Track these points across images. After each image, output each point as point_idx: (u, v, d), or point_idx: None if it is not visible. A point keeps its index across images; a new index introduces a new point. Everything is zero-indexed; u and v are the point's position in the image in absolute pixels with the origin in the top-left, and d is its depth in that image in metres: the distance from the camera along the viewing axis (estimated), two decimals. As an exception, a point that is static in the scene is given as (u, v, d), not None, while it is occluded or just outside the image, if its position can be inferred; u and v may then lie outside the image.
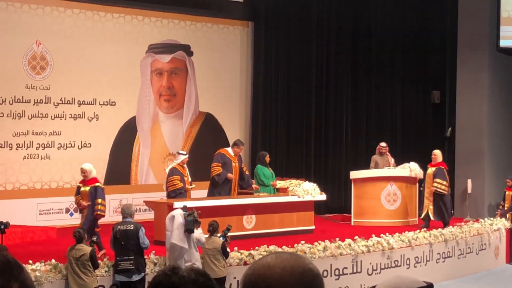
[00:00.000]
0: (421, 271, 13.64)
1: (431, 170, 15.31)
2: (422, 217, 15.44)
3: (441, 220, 15.28)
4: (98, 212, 11.60)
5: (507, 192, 16.88)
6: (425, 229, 14.56)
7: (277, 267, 1.95)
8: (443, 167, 15.30)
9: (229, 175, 14.31)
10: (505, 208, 16.59)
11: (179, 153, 14.14)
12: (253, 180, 14.91)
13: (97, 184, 11.88)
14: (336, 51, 19.04)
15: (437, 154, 15.48)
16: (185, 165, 13.75)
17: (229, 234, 11.33)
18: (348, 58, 19.21)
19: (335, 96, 19.07)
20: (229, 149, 14.62)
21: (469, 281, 14.24)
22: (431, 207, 15.23)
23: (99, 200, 11.68)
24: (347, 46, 19.18)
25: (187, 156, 13.92)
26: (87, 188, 11.78)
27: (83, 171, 11.98)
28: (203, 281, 2.22)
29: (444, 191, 15.16)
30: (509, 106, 18.81)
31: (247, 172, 14.87)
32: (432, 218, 15.24)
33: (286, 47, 18.36)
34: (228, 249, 11.14)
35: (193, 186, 13.89)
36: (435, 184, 15.08)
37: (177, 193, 13.42)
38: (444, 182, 15.18)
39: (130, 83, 16.11)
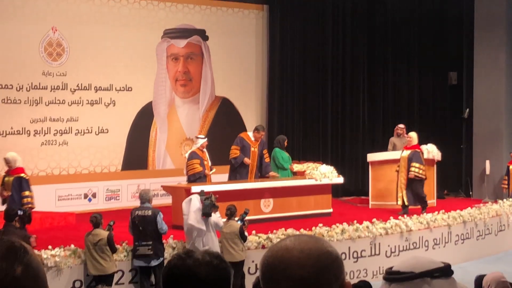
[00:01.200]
0: (439, 252, 13.62)
1: (406, 153, 14.80)
2: (399, 203, 14.83)
3: (420, 204, 14.74)
4: (29, 205, 11.08)
5: (511, 167, 16.83)
6: (405, 215, 14.11)
7: (295, 250, 1.95)
8: (418, 150, 14.84)
9: (246, 159, 14.32)
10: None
11: (197, 137, 14.18)
12: (270, 169, 14.81)
13: (21, 174, 11.35)
14: (352, 34, 18.96)
15: (412, 137, 14.96)
16: (204, 149, 13.79)
17: (247, 218, 11.35)
18: (364, 40, 19.12)
19: (351, 78, 19.00)
20: (250, 134, 14.64)
21: (488, 262, 14.19)
22: (405, 192, 14.68)
23: (26, 193, 11.18)
24: (362, 28, 19.09)
25: (206, 139, 13.93)
26: (11, 178, 11.29)
27: (6, 161, 11.49)
28: (217, 263, 2.23)
29: (422, 176, 14.68)
30: (527, 86, 18.66)
31: (267, 160, 14.81)
32: (407, 204, 14.68)
33: (301, 31, 18.30)
34: (246, 233, 11.17)
35: (214, 170, 13.93)
36: (413, 169, 14.59)
37: (196, 177, 13.48)
38: (422, 166, 14.69)
39: (146, 68, 16.13)
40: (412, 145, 14.84)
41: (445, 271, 2.26)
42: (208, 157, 13.85)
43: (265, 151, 14.72)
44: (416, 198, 14.74)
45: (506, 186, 16.87)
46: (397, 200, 14.81)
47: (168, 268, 2.26)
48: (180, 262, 2.24)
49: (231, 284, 2.30)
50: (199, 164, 13.52)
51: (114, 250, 10.24)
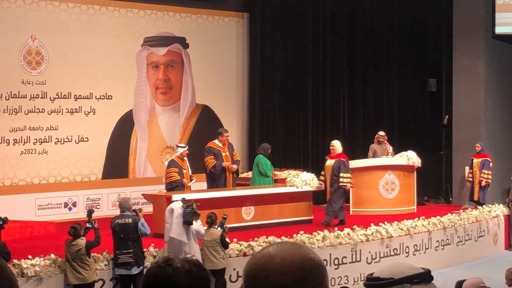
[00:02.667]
0: (420, 259, 13.67)
1: (330, 162, 14.42)
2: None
3: (338, 218, 14.33)
4: None
5: (475, 160, 16.94)
6: (325, 224, 13.94)
7: (277, 257, 1.95)
8: (344, 159, 14.47)
9: (224, 163, 14.26)
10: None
11: (178, 146, 14.14)
12: (250, 172, 14.82)
13: None
14: (332, 41, 19.02)
15: (335, 145, 14.58)
16: (185, 158, 13.73)
17: (229, 225, 11.35)
18: (344, 48, 19.20)
19: (332, 85, 19.06)
20: (216, 141, 14.58)
21: (468, 268, 14.27)
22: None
23: None
24: (343, 35, 19.17)
25: (186, 148, 13.88)
26: None
27: None
28: (197, 271, 2.22)
29: (350, 185, 14.47)
30: (505, 93, 18.82)
31: (237, 158, 14.75)
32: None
33: (281, 38, 18.35)
34: (227, 239, 11.16)
35: (194, 180, 13.88)
36: (344, 180, 14.25)
37: (173, 186, 13.41)
38: (348, 175, 14.37)
39: (126, 76, 16.09)
40: (336, 154, 14.46)
41: (425, 277, 2.26)
42: (189, 166, 13.81)
43: (234, 152, 14.70)
44: (338, 209, 14.28)
45: (471, 180, 16.98)
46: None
47: (147, 277, 2.26)
48: (159, 270, 2.23)
49: None
50: (178, 172, 13.46)
51: (89, 250, 10.15)
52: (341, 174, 14.26)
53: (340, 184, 14.24)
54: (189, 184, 13.66)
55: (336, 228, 13.12)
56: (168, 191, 13.29)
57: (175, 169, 13.49)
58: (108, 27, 15.85)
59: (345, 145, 18.94)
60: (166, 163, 14.06)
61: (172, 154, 15.79)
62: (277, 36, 18.26)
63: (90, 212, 10.63)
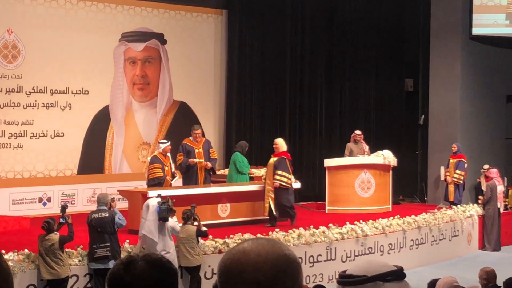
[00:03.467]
0: (394, 257, 13.74)
1: (272, 160, 14.00)
2: (266, 214, 13.98)
3: (287, 216, 13.98)
4: None
5: (451, 160, 17.10)
6: (269, 225, 13.61)
7: (252, 253, 1.95)
8: (285, 157, 14.01)
9: (190, 160, 14.17)
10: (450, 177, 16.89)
11: (159, 142, 14.04)
12: (214, 163, 14.64)
13: None
14: (310, 40, 19.05)
15: (278, 143, 14.14)
16: (168, 154, 13.66)
17: (205, 222, 11.36)
18: (322, 47, 19.23)
19: (309, 84, 19.10)
20: (191, 138, 14.52)
21: (442, 267, 14.36)
22: (272, 203, 13.82)
23: None
24: (321, 35, 19.20)
25: (167, 144, 13.71)
26: None
27: None
28: (157, 276, 2.19)
29: (287, 185, 13.87)
30: (481, 94, 18.95)
31: (214, 156, 14.63)
32: (274, 214, 13.87)
33: (260, 36, 18.34)
34: (203, 228, 11.13)
35: (177, 177, 13.81)
36: (277, 177, 13.77)
37: (156, 182, 13.34)
38: (286, 174, 13.85)
39: (103, 72, 16.00)
40: (279, 152, 14.04)
41: (398, 275, 2.26)
42: (171, 162, 13.74)
43: (211, 150, 14.58)
44: (282, 208, 13.87)
45: (448, 174, 17.13)
46: (264, 211, 13.92)
47: (109, 280, 2.24)
48: (118, 276, 2.21)
49: None
50: (160, 169, 13.39)
51: (62, 245, 10.11)
52: (277, 172, 13.79)
53: (273, 182, 13.77)
54: (172, 182, 13.56)
55: (312, 226, 13.13)
56: (150, 187, 13.24)
57: (159, 165, 13.41)
58: (85, 22, 15.75)
59: (322, 144, 19.09)
60: (148, 159, 13.99)
61: (148, 150, 15.76)
62: (256, 33, 18.25)
63: (63, 208, 10.59)
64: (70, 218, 10.40)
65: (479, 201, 17.20)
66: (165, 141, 13.99)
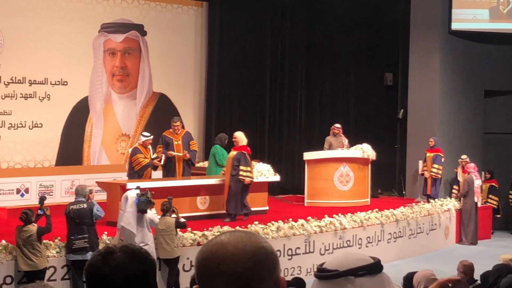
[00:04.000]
0: (372, 251, 13.80)
1: (232, 154, 13.80)
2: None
3: (233, 212, 13.63)
4: None
5: (428, 154, 17.21)
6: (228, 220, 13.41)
7: (230, 245, 1.95)
8: (245, 152, 13.75)
9: (169, 152, 14.14)
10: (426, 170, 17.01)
11: (142, 135, 13.99)
12: (193, 156, 14.61)
13: None
14: (290, 34, 19.06)
15: (238, 137, 13.88)
16: (149, 147, 13.64)
17: (184, 214, 11.37)
18: (302, 40, 19.25)
19: (289, 77, 19.12)
20: (171, 130, 14.50)
21: (420, 260, 14.45)
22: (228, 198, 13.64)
23: None
24: (301, 28, 19.21)
25: (148, 138, 13.67)
26: None
27: None
28: (136, 267, 2.19)
29: (251, 179, 13.70)
30: (460, 88, 19.05)
31: (194, 148, 14.58)
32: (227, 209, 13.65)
33: (240, 28, 18.32)
34: (181, 219, 11.16)
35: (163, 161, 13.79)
36: (242, 173, 13.53)
37: (147, 169, 13.42)
38: (249, 169, 13.71)
39: (82, 62, 15.92)
40: (239, 146, 13.79)
41: (372, 269, 2.24)
42: (152, 155, 13.68)
43: (191, 142, 14.53)
44: (237, 204, 13.61)
45: (426, 168, 17.26)
46: (224, 205, 13.68)
47: (87, 271, 2.24)
48: (96, 268, 2.21)
49: (153, 282, 2.26)
50: (143, 158, 13.42)
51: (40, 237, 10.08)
52: (241, 167, 13.57)
53: (239, 177, 13.53)
54: (161, 163, 13.60)
55: (291, 219, 13.16)
56: (139, 178, 13.23)
57: (141, 154, 13.42)
58: (65, 12, 15.65)
59: (301, 137, 19.13)
60: (129, 150, 13.95)
61: (127, 142, 15.72)
62: (236, 25, 18.23)
63: (42, 199, 10.54)
64: (49, 210, 10.36)
65: (454, 192, 17.29)
66: (148, 134, 13.85)
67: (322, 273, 2.26)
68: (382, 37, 19.98)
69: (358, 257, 2.28)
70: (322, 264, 2.30)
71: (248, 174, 13.62)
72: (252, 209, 14.32)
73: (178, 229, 11.20)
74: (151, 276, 2.23)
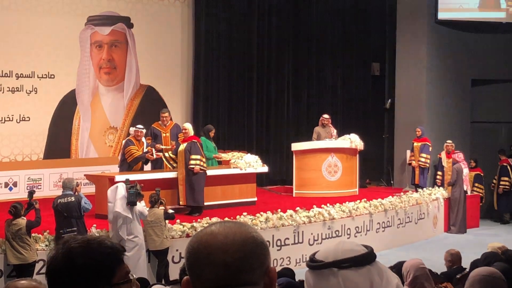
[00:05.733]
0: (361, 240, 13.84)
1: (182, 146, 13.43)
2: (181, 203, 13.38)
3: (194, 204, 13.29)
4: None
5: (415, 144, 17.27)
6: (197, 214, 13.05)
7: (220, 235, 1.96)
8: (195, 141, 13.47)
9: (157, 145, 14.12)
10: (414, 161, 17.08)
11: (135, 127, 13.95)
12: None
13: None
14: (277, 25, 19.05)
15: (188, 128, 13.53)
16: (143, 140, 13.62)
17: (172, 206, 11.37)
18: (289, 31, 19.25)
19: (276, 68, 19.11)
20: (160, 122, 14.48)
21: (408, 250, 14.51)
22: (181, 189, 13.32)
23: None
24: (288, 18, 19.21)
25: (137, 129, 13.67)
26: None
27: None
28: (92, 258, 2.20)
29: (205, 168, 13.38)
30: (446, 78, 19.10)
31: (180, 140, 14.54)
32: (181, 202, 13.31)
33: (227, 20, 18.29)
34: (169, 211, 11.18)
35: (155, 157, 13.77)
36: (193, 162, 13.20)
37: (139, 161, 13.41)
38: (200, 157, 13.34)
39: (69, 55, 15.86)
40: (188, 137, 13.45)
41: (357, 261, 2.23)
42: (145, 149, 13.63)
43: (180, 134, 14.48)
44: (199, 194, 13.29)
45: (413, 163, 17.32)
46: (178, 201, 13.34)
47: (48, 263, 2.25)
48: (54, 259, 2.22)
49: (112, 271, 2.26)
50: (137, 150, 13.41)
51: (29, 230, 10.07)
52: (192, 156, 13.25)
53: (189, 166, 13.21)
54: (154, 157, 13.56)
55: (279, 210, 13.18)
56: (132, 171, 13.22)
57: (134, 146, 13.42)
58: (51, 5, 15.58)
59: (289, 128, 19.14)
60: (123, 142, 13.95)
61: (115, 135, 15.70)
62: (223, 18, 18.19)
63: (31, 193, 10.52)
64: (38, 203, 10.34)
65: (438, 178, 17.31)
66: (141, 127, 13.81)
67: (310, 263, 2.28)
68: (369, 27, 20.01)
69: (348, 247, 2.28)
70: (315, 253, 2.31)
71: (198, 162, 13.24)
72: (241, 200, 14.36)
73: (167, 221, 11.20)
74: (110, 266, 2.23)
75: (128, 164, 13.49)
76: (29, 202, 10.25)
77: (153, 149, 13.72)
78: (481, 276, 4.40)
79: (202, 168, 13.30)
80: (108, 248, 2.25)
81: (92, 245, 2.24)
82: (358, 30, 19.90)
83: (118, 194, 10.82)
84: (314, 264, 2.26)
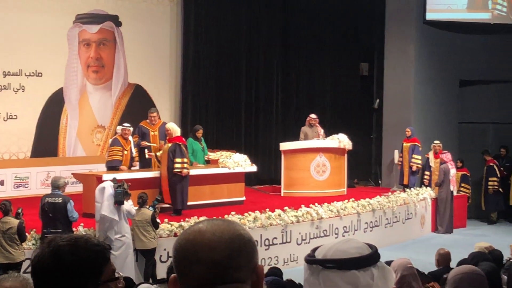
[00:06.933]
0: (349, 240, 13.82)
1: (166, 146, 13.21)
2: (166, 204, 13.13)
3: (175, 206, 13.05)
4: None
5: (404, 144, 17.31)
6: (176, 215, 12.81)
7: (208, 233, 1.95)
8: (180, 143, 13.20)
9: (142, 142, 14.07)
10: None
11: (122, 126, 13.87)
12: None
13: None
14: (266, 25, 19.05)
15: (171, 129, 13.30)
16: (130, 138, 13.54)
17: (160, 206, 11.32)
18: (278, 30, 19.25)
19: (265, 68, 19.11)
20: (148, 120, 14.43)
21: (396, 249, 14.51)
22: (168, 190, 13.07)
23: None
24: (277, 18, 19.21)
25: (124, 127, 13.58)
26: None
27: None
28: (77, 258, 2.19)
29: (187, 171, 13.11)
30: (435, 78, 19.15)
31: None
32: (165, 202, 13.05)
33: (216, 19, 18.27)
34: (158, 220, 11.15)
35: (135, 167, 13.67)
36: (178, 166, 12.98)
37: (113, 165, 13.26)
38: (186, 160, 13.12)
39: (57, 54, 15.80)
40: (173, 138, 13.20)
41: (342, 264, 2.21)
42: (132, 147, 13.58)
43: None
44: (183, 197, 13.08)
45: (401, 163, 17.36)
46: (165, 199, 13.14)
47: (33, 262, 2.23)
48: (39, 258, 2.21)
49: (99, 270, 2.25)
50: (120, 151, 13.29)
51: (23, 239, 10.03)
52: (176, 159, 13.02)
53: (174, 170, 13.00)
54: (133, 167, 13.38)
55: (268, 209, 13.17)
56: (108, 170, 13.14)
57: (119, 147, 13.31)
58: (39, 2, 15.51)
59: (278, 127, 19.14)
60: (110, 140, 13.88)
61: (103, 134, 15.65)
62: (212, 17, 18.17)
63: (18, 214, 10.32)
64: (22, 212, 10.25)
65: (425, 178, 17.34)
66: (128, 125, 13.74)
67: (306, 255, 2.29)
68: (358, 27, 20.04)
69: (344, 248, 2.25)
70: (318, 247, 2.31)
71: (185, 165, 13.06)
72: (229, 199, 14.34)
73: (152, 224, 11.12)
74: (96, 265, 2.22)
75: (107, 162, 13.38)
76: (17, 213, 10.16)
77: (136, 166, 13.60)
78: (462, 274, 4.45)
79: (179, 171, 12.98)
80: (95, 246, 2.24)
81: (79, 243, 2.22)
82: (347, 31, 19.92)
83: (105, 194, 10.76)
84: (306, 257, 2.27)
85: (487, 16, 18.91)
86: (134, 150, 13.68)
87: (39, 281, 2.21)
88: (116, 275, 2.27)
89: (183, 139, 13.66)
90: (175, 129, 13.39)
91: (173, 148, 13.06)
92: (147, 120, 14.36)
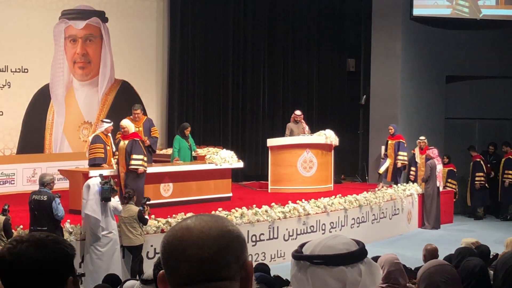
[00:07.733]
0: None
1: (123, 143, 12.71)
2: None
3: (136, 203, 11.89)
4: None
5: (389, 141, 17.34)
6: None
7: (195, 229, 1.93)
8: (137, 139, 12.79)
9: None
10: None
11: (102, 121, 13.81)
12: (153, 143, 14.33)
13: None
14: (252, 20, 19.03)
15: (126, 126, 12.82)
16: (109, 134, 13.45)
17: (147, 202, 11.32)
18: (264, 26, 19.23)
19: (252, 64, 19.09)
20: (131, 116, 14.32)
21: (383, 245, 14.55)
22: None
23: None
24: (263, 14, 19.19)
25: (111, 124, 13.49)
26: None
27: None
28: (40, 257, 2.18)
29: (144, 168, 12.68)
30: (421, 74, 19.19)
31: (155, 134, 14.31)
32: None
33: (202, 16, 18.23)
34: (146, 216, 11.12)
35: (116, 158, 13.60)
36: (133, 162, 12.52)
37: (96, 162, 13.10)
38: (142, 157, 12.68)
39: (43, 50, 15.72)
40: (129, 134, 12.75)
41: (330, 260, 2.21)
42: (113, 142, 13.53)
43: (152, 129, 14.31)
44: (139, 197, 12.07)
45: (383, 158, 17.41)
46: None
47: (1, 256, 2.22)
48: (1, 256, 2.20)
49: (63, 270, 2.24)
50: (102, 149, 13.18)
51: (9, 236, 9.98)
52: (133, 156, 12.59)
53: (130, 167, 12.57)
54: (114, 164, 13.24)
55: (255, 205, 13.17)
56: (90, 167, 13.06)
57: (100, 145, 13.18)
58: (24, -2, 15.43)
59: (265, 123, 19.13)
60: (90, 138, 13.77)
61: (90, 130, 15.59)
62: (198, 13, 18.13)
63: (4, 210, 10.26)
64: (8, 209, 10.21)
65: (412, 174, 17.38)
66: (109, 120, 13.69)
67: (294, 251, 2.28)
68: (344, 23, 20.05)
69: (332, 244, 2.26)
70: (305, 243, 2.30)
71: (141, 163, 12.64)
72: (216, 195, 14.33)
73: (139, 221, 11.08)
74: (60, 264, 2.21)
75: (90, 160, 13.25)
76: (3, 210, 10.11)
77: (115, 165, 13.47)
78: (431, 268, 4.50)
79: (136, 168, 12.60)
80: (59, 248, 2.23)
81: (40, 243, 2.21)
82: (333, 27, 19.92)
83: (91, 191, 10.71)
84: (294, 253, 2.26)
85: (448, 12, 18.94)
86: (114, 147, 13.56)
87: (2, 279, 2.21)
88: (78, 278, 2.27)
89: (139, 135, 13.32)
90: (130, 126, 12.94)
91: (130, 145, 12.64)
92: (131, 116, 14.29)
